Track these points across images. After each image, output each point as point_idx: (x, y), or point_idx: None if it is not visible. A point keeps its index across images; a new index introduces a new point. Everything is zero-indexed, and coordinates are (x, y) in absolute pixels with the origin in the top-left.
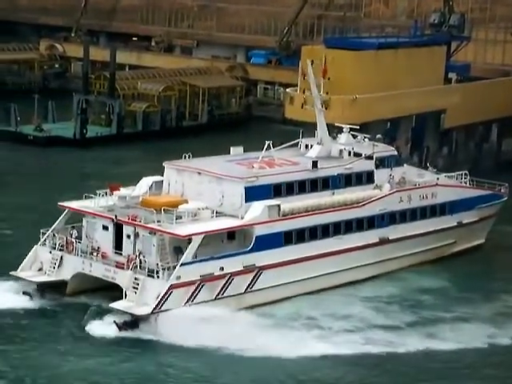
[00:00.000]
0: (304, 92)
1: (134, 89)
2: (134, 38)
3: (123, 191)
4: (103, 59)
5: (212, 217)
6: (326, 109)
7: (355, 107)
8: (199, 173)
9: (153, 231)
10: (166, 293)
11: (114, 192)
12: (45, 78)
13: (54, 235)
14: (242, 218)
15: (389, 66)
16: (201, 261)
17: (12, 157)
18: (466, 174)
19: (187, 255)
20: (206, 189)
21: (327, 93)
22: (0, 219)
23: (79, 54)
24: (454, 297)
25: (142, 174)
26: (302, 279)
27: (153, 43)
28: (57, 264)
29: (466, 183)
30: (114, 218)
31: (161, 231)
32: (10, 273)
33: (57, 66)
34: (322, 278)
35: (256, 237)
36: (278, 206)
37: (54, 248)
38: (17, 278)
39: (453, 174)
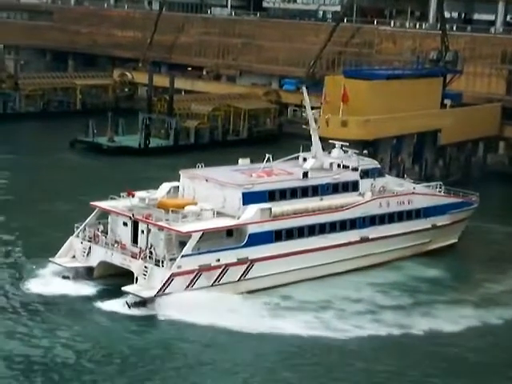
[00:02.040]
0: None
1: (188, 109)
2: (189, 68)
3: (143, 194)
4: (164, 85)
5: (213, 217)
6: (345, 127)
7: (368, 126)
8: (207, 180)
9: (161, 228)
10: (168, 279)
11: (136, 194)
12: (117, 100)
13: (84, 229)
14: (239, 218)
15: (396, 93)
16: (199, 253)
17: (89, 162)
18: (440, 184)
19: (187, 248)
20: (212, 193)
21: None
22: (67, 212)
23: (145, 80)
24: (446, 284)
25: None
26: (290, 270)
27: (204, 72)
28: (86, 253)
29: (440, 192)
30: (131, 216)
31: (167, 228)
32: (49, 259)
33: (126, 90)
34: (307, 269)
35: (249, 234)
36: (270, 208)
37: (85, 239)
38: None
39: (429, 184)
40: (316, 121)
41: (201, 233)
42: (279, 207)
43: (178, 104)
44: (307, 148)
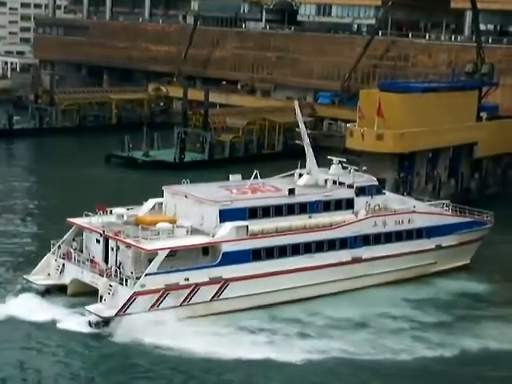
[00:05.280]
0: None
1: (223, 123)
2: (223, 82)
3: (121, 210)
4: (198, 99)
5: (187, 234)
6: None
7: (403, 140)
8: (186, 196)
9: (128, 245)
10: (129, 299)
11: (113, 211)
12: (152, 114)
13: (59, 246)
14: (214, 236)
15: (431, 106)
16: (165, 272)
17: (124, 177)
18: (447, 203)
19: (152, 266)
20: (191, 210)
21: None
22: None
23: (180, 94)
24: (484, 299)
25: None
26: (270, 291)
27: (239, 86)
28: (59, 270)
29: (449, 211)
30: (101, 232)
31: (133, 245)
32: (24, 276)
33: (161, 104)
34: (290, 290)
35: (223, 253)
36: (246, 226)
37: (59, 257)
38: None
39: (435, 202)
40: (351, 133)
41: (167, 251)
42: (259, 225)
43: (212, 118)
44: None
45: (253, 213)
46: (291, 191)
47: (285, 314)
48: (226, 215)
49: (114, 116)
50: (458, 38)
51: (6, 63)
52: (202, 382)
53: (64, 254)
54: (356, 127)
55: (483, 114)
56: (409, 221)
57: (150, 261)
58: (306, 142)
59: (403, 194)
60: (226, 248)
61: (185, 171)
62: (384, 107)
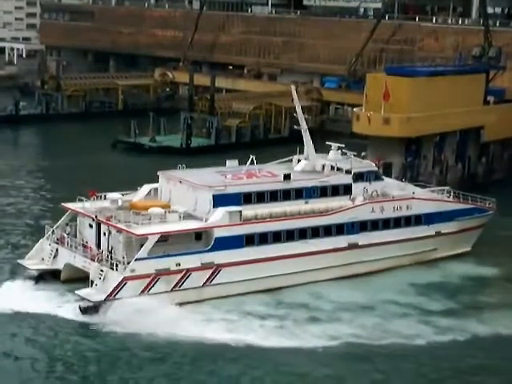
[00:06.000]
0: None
1: (229, 108)
2: (230, 67)
3: (116, 195)
4: (205, 84)
5: (179, 219)
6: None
7: (410, 124)
8: (180, 181)
9: (119, 230)
10: (119, 283)
11: (107, 196)
12: (158, 100)
13: (53, 231)
14: (207, 221)
15: (438, 90)
16: (156, 257)
17: (130, 162)
18: (448, 189)
19: (142, 251)
20: (185, 195)
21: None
22: None
23: (186, 79)
24: (491, 284)
25: None
26: (264, 277)
27: (245, 71)
28: (53, 255)
29: (450, 197)
30: (94, 217)
31: (124, 230)
32: (18, 261)
33: (168, 89)
34: (284, 276)
35: (215, 238)
36: (240, 211)
37: (53, 242)
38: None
39: (436, 188)
40: (358, 117)
41: (158, 236)
42: (252, 210)
43: (219, 103)
44: (352, 145)
45: (247, 198)
46: (286, 176)
47: (289, 298)
48: (219, 200)
49: (121, 102)
50: (465, 21)
51: (13, 49)
52: (213, 369)
53: (58, 239)
54: (363, 111)
55: (490, 98)
56: (407, 207)
57: (142, 246)
58: (304, 128)
59: (403, 180)
60: (219, 233)
61: (191, 156)
62: (391, 91)
